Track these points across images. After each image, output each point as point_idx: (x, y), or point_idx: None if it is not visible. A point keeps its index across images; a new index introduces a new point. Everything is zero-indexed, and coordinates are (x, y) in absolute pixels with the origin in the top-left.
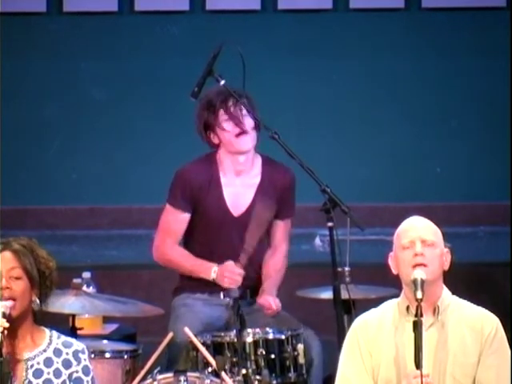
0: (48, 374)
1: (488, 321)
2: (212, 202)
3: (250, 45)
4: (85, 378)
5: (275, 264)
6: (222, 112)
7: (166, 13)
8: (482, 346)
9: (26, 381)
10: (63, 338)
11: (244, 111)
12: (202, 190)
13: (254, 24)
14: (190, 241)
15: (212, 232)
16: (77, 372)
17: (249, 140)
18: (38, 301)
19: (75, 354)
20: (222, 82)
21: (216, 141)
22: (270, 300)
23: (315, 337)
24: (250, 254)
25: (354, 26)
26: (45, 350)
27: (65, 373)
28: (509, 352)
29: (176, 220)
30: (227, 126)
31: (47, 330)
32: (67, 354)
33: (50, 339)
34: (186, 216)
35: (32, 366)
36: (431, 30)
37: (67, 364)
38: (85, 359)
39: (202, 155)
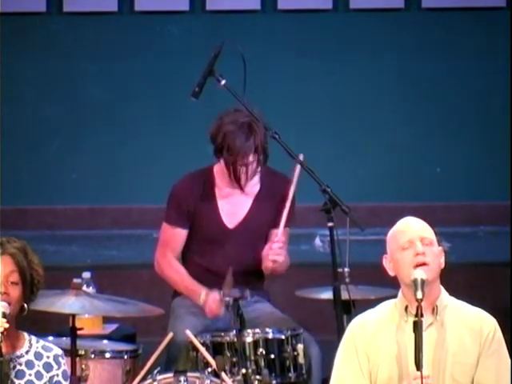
0: (30, 375)
1: (487, 322)
2: (207, 215)
3: (250, 45)
4: (64, 383)
5: None
6: (241, 160)
7: (165, 13)
8: (481, 347)
9: (9, 381)
10: (42, 342)
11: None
12: (197, 205)
13: (254, 24)
14: (187, 254)
15: (207, 245)
16: (57, 376)
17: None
18: (25, 306)
19: (56, 358)
20: (223, 82)
21: (217, 156)
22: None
23: (313, 341)
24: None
25: (354, 26)
26: (26, 353)
27: (46, 375)
28: (507, 353)
29: (173, 236)
30: (240, 172)
31: (26, 334)
32: (48, 357)
33: (30, 343)
34: (183, 232)
35: (14, 366)
36: (431, 30)
37: (48, 367)
38: (64, 364)
39: (196, 169)
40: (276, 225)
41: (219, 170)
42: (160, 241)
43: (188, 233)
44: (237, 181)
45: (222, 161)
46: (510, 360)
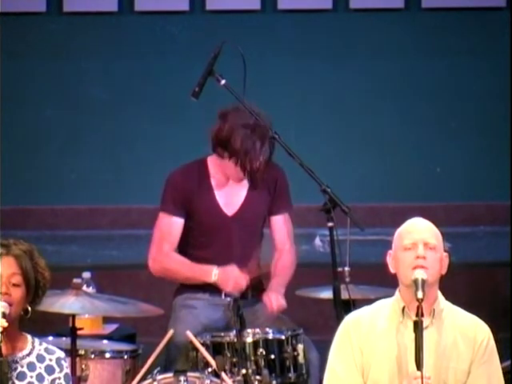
0: (31, 377)
1: (481, 330)
2: (204, 204)
3: (250, 45)
4: None
5: (283, 263)
6: (259, 161)
7: (166, 13)
8: (474, 354)
9: (10, 382)
10: (45, 344)
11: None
12: (193, 194)
13: (254, 24)
14: (185, 247)
15: (208, 235)
16: (59, 379)
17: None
18: (29, 308)
19: (58, 361)
20: (223, 82)
21: (221, 154)
22: (272, 298)
23: (312, 345)
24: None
25: (354, 26)
26: (28, 355)
27: (47, 378)
28: (499, 362)
29: (170, 226)
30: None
31: (29, 336)
32: (50, 360)
33: (33, 345)
34: (180, 221)
35: (16, 368)
36: (431, 30)
37: (50, 370)
38: (66, 367)
39: (189, 161)
40: (270, 212)
41: (213, 161)
42: (155, 234)
43: (185, 227)
44: (251, 178)
45: (233, 161)
46: (501, 370)
